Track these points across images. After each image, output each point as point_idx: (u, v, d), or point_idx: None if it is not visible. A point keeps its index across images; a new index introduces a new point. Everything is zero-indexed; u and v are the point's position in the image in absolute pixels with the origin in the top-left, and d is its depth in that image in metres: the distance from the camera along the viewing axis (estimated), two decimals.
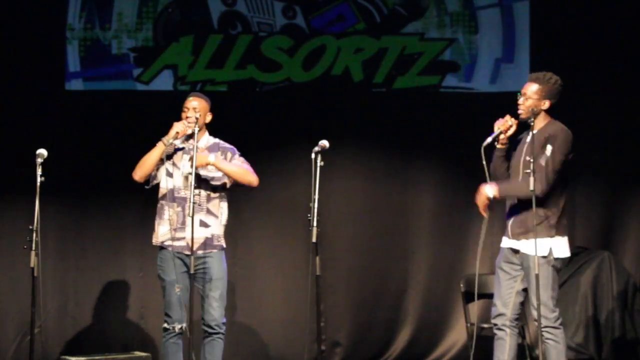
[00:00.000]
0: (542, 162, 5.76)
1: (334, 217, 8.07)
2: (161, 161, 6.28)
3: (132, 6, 8.10)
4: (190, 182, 6.01)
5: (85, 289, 8.01)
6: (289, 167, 8.01)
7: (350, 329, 8.19)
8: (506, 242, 6.01)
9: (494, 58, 8.26)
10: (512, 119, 5.90)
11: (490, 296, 7.79)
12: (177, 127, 6.23)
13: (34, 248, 5.97)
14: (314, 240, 5.99)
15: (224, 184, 6.29)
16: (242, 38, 8.17)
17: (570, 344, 7.58)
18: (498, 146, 5.96)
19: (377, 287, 8.23)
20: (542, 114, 5.91)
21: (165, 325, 6.21)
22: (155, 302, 8.00)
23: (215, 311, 6.21)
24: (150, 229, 6.31)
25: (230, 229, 6.42)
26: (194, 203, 5.98)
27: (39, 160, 6.05)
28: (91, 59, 8.09)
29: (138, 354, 7.66)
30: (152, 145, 6.11)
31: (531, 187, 5.67)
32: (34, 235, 5.98)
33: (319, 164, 6.05)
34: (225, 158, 6.30)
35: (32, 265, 5.98)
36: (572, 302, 7.82)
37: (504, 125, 5.90)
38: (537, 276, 5.72)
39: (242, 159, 6.35)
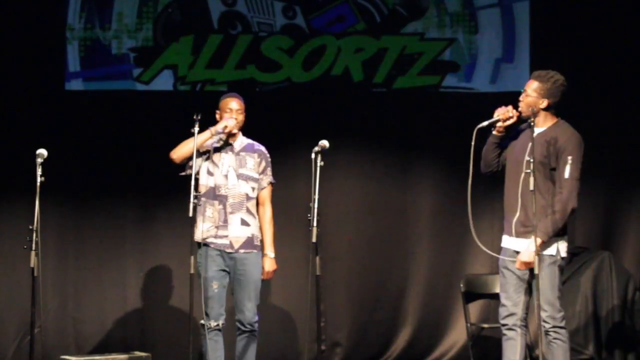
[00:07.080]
0: (566, 174, 5.74)
1: (334, 217, 8.06)
2: (203, 155, 6.28)
3: (132, 6, 8.10)
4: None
5: (85, 289, 8.01)
6: (289, 167, 8.00)
7: (350, 329, 8.19)
8: (509, 242, 5.93)
9: (494, 58, 8.26)
10: (514, 111, 5.85)
11: (490, 296, 7.84)
12: (228, 122, 6.26)
13: (34, 248, 5.98)
14: (314, 240, 6.00)
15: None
16: (242, 38, 8.17)
17: (570, 344, 7.56)
18: (494, 133, 5.93)
19: (377, 287, 8.22)
20: (545, 113, 5.85)
21: (202, 321, 6.28)
22: (156, 302, 8.02)
23: (250, 311, 6.31)
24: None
25: None
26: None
27: (39, 160, 6.05)
28: (91, 59, 8.09)
29: (138, 354, 7.66)
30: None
31: (531, 187, 5.62)
32: (34, 235, 5.98)
33: (319, 164, 6.05)
34: (260, 171, 6.40)
35: (32, 265, 5.98)
36: (572, 302, 7.80)
37: (504, 115, 5.85)
38: (537, 275, 5.69)
39: (270, 170, 6.50)
